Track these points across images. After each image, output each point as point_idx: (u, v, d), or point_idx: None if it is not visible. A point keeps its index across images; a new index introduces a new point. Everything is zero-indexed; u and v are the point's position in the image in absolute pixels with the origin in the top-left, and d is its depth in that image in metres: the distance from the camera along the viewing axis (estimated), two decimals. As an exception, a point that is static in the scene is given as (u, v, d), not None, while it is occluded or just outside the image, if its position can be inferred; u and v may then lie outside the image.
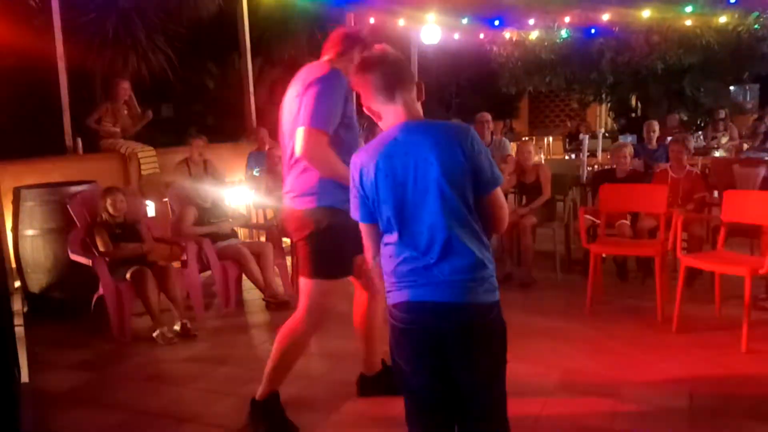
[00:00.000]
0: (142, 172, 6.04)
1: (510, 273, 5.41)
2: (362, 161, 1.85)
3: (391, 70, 1.90)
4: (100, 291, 4.35)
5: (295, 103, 2.68)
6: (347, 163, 2.44)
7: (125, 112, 6.33)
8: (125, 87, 6.33)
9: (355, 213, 1.92)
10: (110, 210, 4.52)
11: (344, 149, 2.61)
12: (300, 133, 2.57)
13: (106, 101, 6.22)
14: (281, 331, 2.88)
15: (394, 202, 1.81)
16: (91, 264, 4.30)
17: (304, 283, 2.80)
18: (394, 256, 1.85)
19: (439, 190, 1.77)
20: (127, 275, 4.32)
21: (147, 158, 6.11)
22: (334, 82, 2.62)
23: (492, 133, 6.67)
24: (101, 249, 4.44)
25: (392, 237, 1.85)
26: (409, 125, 1.86)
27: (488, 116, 6.50)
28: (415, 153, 1.79)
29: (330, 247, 2.72)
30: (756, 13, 10.09)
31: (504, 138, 6.73)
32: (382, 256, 1.90)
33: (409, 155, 1.79)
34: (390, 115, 1.89)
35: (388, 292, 1.90)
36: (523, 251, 5.34)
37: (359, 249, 2.76)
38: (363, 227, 1.93)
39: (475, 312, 1.84)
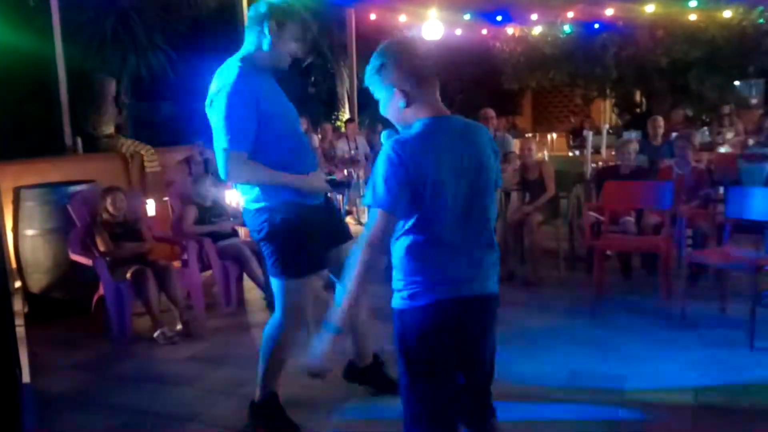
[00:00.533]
0: (147, 170, 6.02)
1: (513, 271, 5.36)
2: (415, 148, 1.75)
3: (431, 58, 1.90)
4: (101, 291, 4.33)
5: (209, 113, 2.61)
6: (293, 164, 2.54)
7: (114, 110, 6.30)
8: (113, 85, 6.29)
9: (394, 203, 1.74)
10: (110, 209, 4.50)
11: (275, 147, 2.58)
12: (219, 155, 2.53)
13: (96, 103, 6.19)
14: (264, 334, 2.86)
15: (452, 195, 1.78)
16: (91, 264, 4.28)
17: (275, 284, 2.78)
18: (447, 250, 1.80)
19: (490, 187, 1.87)
20: (128, 275, 4.29)
21: (148, 156, 6.10)
22: (240, 90, 2.49)
23: (495, 130, 6.63)
24: (101, 249, 4.42)
25: (434, 231, 1.79)
26: (454, 119, 1.87)
27: (492, 112, 6.46)
28: (471, 147, 1.84)
29: (290, 244, 2.69)
30: (761, 8, 10.03)
31: (507, 134, 6.68)
32: (418, 252, 1.81)
33: (466, 149, 1.82)
34: (428, 105, 1.85)
35: (417, 292, 1.81)
36: (530, 249, 5.30)
37: (322, 242, 2.77)
38: (391, 219, 1.77)
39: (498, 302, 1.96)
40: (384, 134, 2.02)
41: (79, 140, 5.99)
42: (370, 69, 1.88)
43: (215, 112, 2.54)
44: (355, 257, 1.79)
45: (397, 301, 1.86)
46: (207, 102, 2.62)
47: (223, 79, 2.55)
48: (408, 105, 1.84)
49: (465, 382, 1.94)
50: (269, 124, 2.57)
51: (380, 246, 1.78)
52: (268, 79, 2.67)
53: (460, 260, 1.82)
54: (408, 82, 1.83)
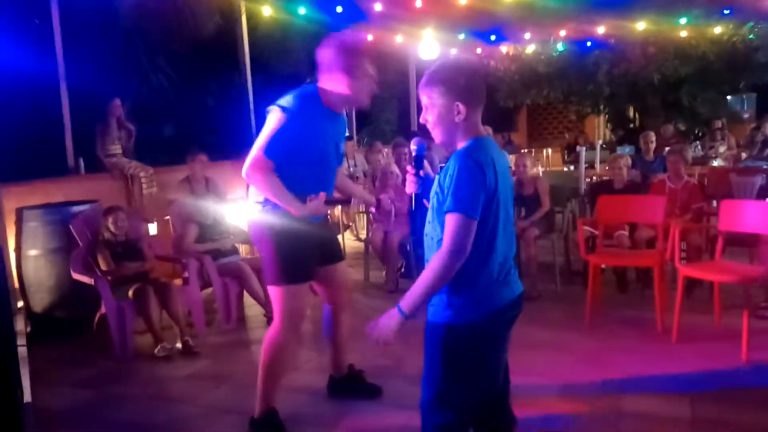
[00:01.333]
0: (144, 192, 6.08)
1: (510, 285, 5.42)
2: (487, 164, 1.86)
3: (482, 81, 2.01)
4: (103, 310, 4.37)
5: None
6: (296, 191, 2.69)
7: (118, 130, 6.37)
8: (117, 105, 6.36)
9: (476, 209, 1.83)
10: (112, 229, 4.56)
11: (299, 180, 2.75)
12: (251, 152, 2.73)
13: (99, 123, 6.27)
14: (263, 345, 2.93)
15: (503, 208, 1.93)
16: (93, 283, 4.33)
17: (272, 291, 2.88)
18: (493, 261, 1.91)
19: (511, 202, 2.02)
20: (129, 293, 4.35)
21: (147, 178, 6.16)
22: (296, 117, 2.73)
23: (502, 147, 6.73)
24: (103, 268, 4.47)
25: (491, 242, 1.90)
26: (494, 142, 2.03)
27: (489, 129, 6.56)
28: (506, 169, 1.99)
29: (285, 250, 2.82)
30: (750, 24, 10.18)
31: (503, 151, 6.77)
32: (468, 264, 1.86)
33: (505, 170, 1.97)
34: (477, 126, 1.98)
35: (474, 304, 1.91)
36: (527, 263, 5.36)
37: (316, 256, 2.91)
38: (470, 224, 1.83)
39: None
40: (418, 146, 2.12)
41: (81, 161, 6.06)
42: (434, 78, 1.95)
43: (270, 118, 2.77)
44: (436, 261, 1.84)
45: (449, 316, 1.92)
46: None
47: (290, 100, 2.77)
48: (465, 119, 1.93)
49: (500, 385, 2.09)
50: (299, 151, 2.75)
51: (461, 252, 1.83)
52: (324, 113, 2.84)
53: (505, 267, 1.96)
54: (469, 100, 1.93)
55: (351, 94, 2.80)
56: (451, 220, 1.83)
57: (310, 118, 2.75)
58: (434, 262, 1.84)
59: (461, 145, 1.94)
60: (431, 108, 1.96)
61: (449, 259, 1.82)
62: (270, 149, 2.70)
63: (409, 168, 2.12)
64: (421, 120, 2.03)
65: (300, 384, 3.70)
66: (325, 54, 2.79)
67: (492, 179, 1.85)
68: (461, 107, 1.91)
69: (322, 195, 2.74)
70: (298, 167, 2.76)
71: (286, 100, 2.77)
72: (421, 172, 2.11)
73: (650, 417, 3.09)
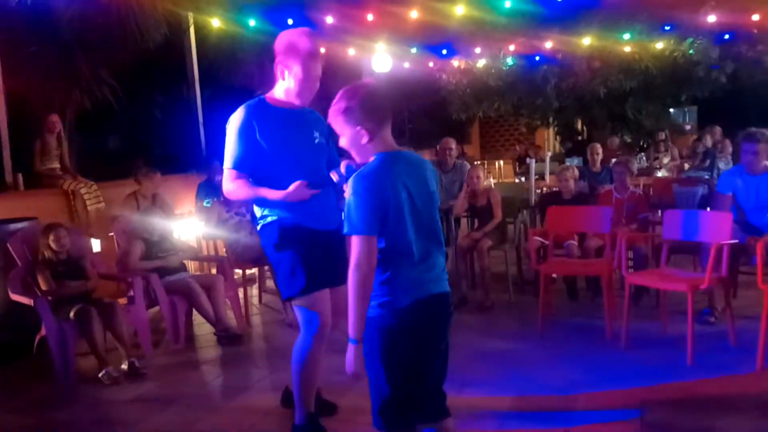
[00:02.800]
0: (88, 208, 5.88)
1: (465, 296, 5.44)
2: (379, 179, 2.03)
3: (389, 99, 2.19)
4: (43, 332, 4.19)
5: None
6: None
7: (57, 145, 6.17)
8: (55, 120, 6.17)
9: (369, 227, 2.01)
10: (53, 247, 4.38)
11: (277, 173, 2.85)
12: (224, 173, 2.90)
13: (37, 139, 6.07)
14: (293, 353, 2.98)
15: (410, 214, 2.08)
16: (32, 304, 4.14)
17: (292, 303, 2.98)
18: (411, 260, 2.08)
19: (436, 204, 2.22)
20: (71, 314, 4.17)
21: (90, 194, 5.96)
22: (239, 122, 2.87)
23: (456, 158, 6.76)
24: (43, 288, 4.29)
25: (402, 245, 2.06)
26: (405, 152, 2.18)
27: (452, 142, 6.61)
28: (421, 174, 2.16)
29: (290, 260, 2.87)
30: (690, 39, 10.59)
31: (465, 162, 6.83)
32: (387, 265, 2.06)
33: (417, 175, 2.14)
34: (385, 142, 2.13)
35: (389, 300, 2.07)
36: (481, 274, 5.39)
37: (322, 258, 2.91)
38: (368, 240, 2.01)
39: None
40: (346, 167, 2.36)
41: (20, 177, 5.83)
42: (335, 109, 2.13)
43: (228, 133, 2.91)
44: (350, 280, 2.02)
45: (376, 309, 2.08)
46: None
47: (235, 113, 2.92)
48: (370, 141, 2.10)
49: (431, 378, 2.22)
50: (266, 155, 2.85)
51: (367, 267, 2.02)
52: (276, 112, 2.92)
53: (424, 265, 2.12)
54: (370, 122, 2.09)
55: (296, 85, 2.89)
56: (352, 241, 2.03)
57: (261, 121, 2.85)
58: (349, 281, 2.02)
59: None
60: (342, 135, 2.15)
61: (357, 275, 2.01)
62: (236, 162, 2.86)
63: (345, 187, 2.28)
64: (340, 144, 2.21)
65: (252, 403, 3.61)
66: (276, 50, 2.92)
67: (391, 191, 2.02)
68: (363, 131, 2.09)
69: (298, 183, 2.76)
70: (274, 170, 2.87)
71: (236, 113, 2.91)
72: None
73: (600, 424, 3.12)
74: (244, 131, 2.84)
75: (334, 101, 2.14)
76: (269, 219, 2.92)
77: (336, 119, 2.14)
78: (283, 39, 2.90)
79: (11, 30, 6.78)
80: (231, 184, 2.88)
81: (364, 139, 2.10)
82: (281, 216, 2.89)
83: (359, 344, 2.04)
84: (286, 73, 2.88)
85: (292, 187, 2.76)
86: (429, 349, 2.16)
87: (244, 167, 2.87)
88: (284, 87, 2.92)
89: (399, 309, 2.07)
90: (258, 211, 2.99)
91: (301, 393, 2.98)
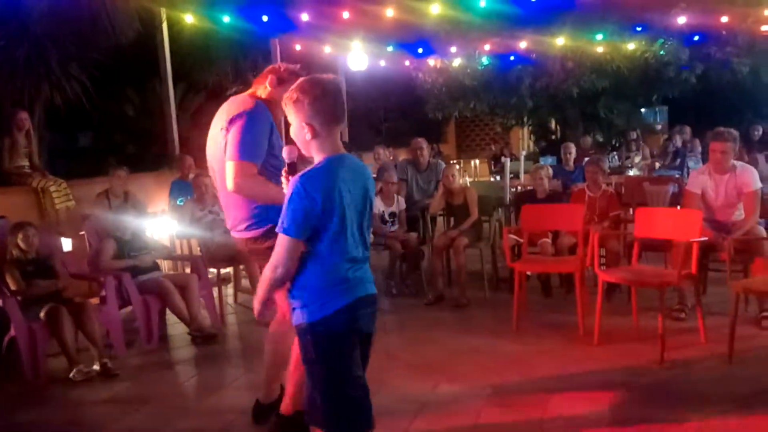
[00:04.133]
0: (56, 206, 5.77)
1: (442, 294, 5.47)
2: (324, 183, 2.02)
3: (343, 102, 2.14)
4: (12, 332, 4.10)
5: (221, 137, 2.76)
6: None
7: (25, 143, 6.04)
8: (24, 117, 6.03)
9: (298, 231, 2.01)
10: (22, 245, 4.30)
11: (276, 177, 2.69)
12: (230, 168, 2.69)
13: (5, 136, 5.93)
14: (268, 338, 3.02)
15: (349, 219, 2.08)
16: (1, 304, 4.05)
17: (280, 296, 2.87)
18: (346, 264, 2.09)
19: (370, 211, 2.23)
20: (42, 314, 4.09)
21: (59, 192, 5.84)
22: (259, 115, 2.74)
23: (431, 157, 6.76)
24: (12, 287, 4.20)
25: (337, 249, 2.07)
26: (349, 157, 2.16)
27: (423, 142, 6.61)
28: (361, 181, 2.15)
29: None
30: (661, 40, 10.77)
31: (440, 161, 6.85)
32: (322, 268, 2.07)
33: (358, 182, 2.13)
34: (331, 143, 2.10)
35: (326, 301, 2.07)
36: (457, 271, 5.43)
37: None
38: (295, 243, 2.03)
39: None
40: (288, 151, 2.26)
41: (-12, 174, 5.69)
42: (288, 98, 2.10)
43: (232, 132, 2.71)
44: (265, 272, 2.08)
45: (306, 315, 2.09)
46: (218, 127, 2.80)
47: (240, 107, 2.77)
48: (313, 138, 2.08)
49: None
50: (274, 154, 2.76)
51: (284, 270, 2.05)
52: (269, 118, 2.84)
53: (356, 269, 2.14)
54: (317, 120, 2.06)
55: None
56: (279, 239, 2.05)
57: (266, 115, 2.78)
58: (264, 272, 2.09)
59: (317, 161, 2.11)
60: (291, 124, 2.14)
61: (272, 273, 2.06)
62: (245, 153, 2.69)
63: (284, 173, 2.27)
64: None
65: (227, 402, 3.58)
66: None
67: (326, 199, 2.01)
68: (307, 128, 2.07)
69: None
70: (269, 176, 2.75)
71: (240, 108, 2.78)
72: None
73: (573, 417, 3.17)
74: (264, 127, 2.74)
75: (292, 87, 2.12)
76: (262, 222, 2.78)
77: (287, 107, 2.12)
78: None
79: (-23, 23, 6.62)
80: (247, 179, 2.68)
81: (307, 136, 2.08)
82: (275, 218, 2.78)
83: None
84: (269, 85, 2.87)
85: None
86: (357, 358, 2.16)
87: (253, 158, 2.71)
88: (268, 94, 2.87)
89: (334, 312, 2.07)
90: (247, 212, 2.82)
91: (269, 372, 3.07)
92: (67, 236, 5.35)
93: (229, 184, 2.70)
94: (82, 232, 5.33)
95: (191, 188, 5.93)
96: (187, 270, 5.67)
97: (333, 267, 2.08)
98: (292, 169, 2.24)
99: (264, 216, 2.77)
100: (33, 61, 7.14)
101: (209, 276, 5.31)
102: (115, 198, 5.83)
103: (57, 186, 5.86)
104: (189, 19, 7.69)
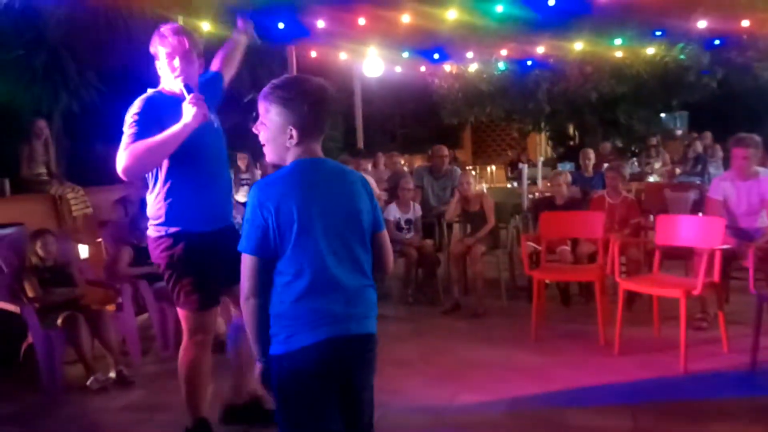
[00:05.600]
0: (74, 213, 5.82)
1: (458, 302, 5.41)
2: (280, 189, 1.77)
3: (329, 109, 1.88)
4: (29, 339, 4.12)
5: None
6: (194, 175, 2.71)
7: (43, 151, 6.13)
8: (42, 126, 6.13)
9: (258, 247, 1.76)
10: (40, 253, 4.32)
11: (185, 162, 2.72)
12: (119, 157, 2.63)
13: (23, 144, 6.04)
14: (179, 361, 2.97)
15: (321, 236, 1.78)
16: (19, 311, 4.07)
17: (180, 313, 2.92)
18: (318, 288, 1.77)
19: (362, 227, 1.88)
20: (59, 321, 4.11)
21: (77, 199, 5.90)
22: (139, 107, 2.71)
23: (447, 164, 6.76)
24: (30, 295, 4.22)
25: (305, 272, 1.76)
26: (328, 162, 1.89)
27: (445, 150, 6.60)
28: (342, 189, 1.86)
29: (190, 275, 2.79)
30: (681, 45, 10.66)
31: (456, 168, 6.83)
32: (288, 293, 1.78)
33: (336, 190, 1.84)
34: (310, 151, 1.85)
35: (292, 334, 1.77)
36: (474, 279, 5.37)
37: (221, 275, 2.82)
38: (258, 262, 1.77)
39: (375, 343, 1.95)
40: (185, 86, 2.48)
41: (6, 182, 5.76)
42: (274, 94, 1.82)
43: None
44: (244, 313, 1.82)
45: (274, 346, 1.80)
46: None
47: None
48: (297, 144, 1.83)
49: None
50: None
51: (254, 291, 1.78)
52: (172, 101, 2.75)
53: (335, 300, 1.79)
54: (309, 127, 1.82)
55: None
56: (242, 259, 1.80)
57: (156, 109, 2.71)
58: (242, 311, 1.84)
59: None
60: (266, 123, 1.85)
61: (245, 301, 1.81)
62: (135, 135, 2.62)
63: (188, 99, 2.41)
64: (253, 129, 1.91)
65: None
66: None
67: (287, 209, 1.74)
68: (294, 132, 1.81)
69: (193, 95, 2.63)
70: (179, 158, 2.71)
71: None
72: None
73: (593, 429, 3.11)
74: (141, 119, 2.68)
75: (277, 83, 1.84)
76: (171, 225, 2.76)
77: (271, 105, 1.82)
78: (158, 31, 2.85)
79: (-4, 32, 6.72)
80: (122, 154, 2.62)
81: (292, 142, 1.82)
82: (189, 227, 2.76)
83: (262, 363, 1.84)
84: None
85: (190, 104, 2.59)
86: (331, 407, 1.80)
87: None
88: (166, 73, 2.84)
89: (300, 349, 1.75)
90: (157, 214, 2.80)
91: (189, 396, 2.99)
92: (84, 243, 5.38)
93: (120, 172, 2.64)
94: (99, 239, 5.35)
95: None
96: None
97: (304, 293, 1.76)
98: (188, 90, 2.36)
99: (177, 216, 2.74)
100: (51, 70, 7.25)
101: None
102: (131, 205, 5.86)
103: (74, 193, 5.91)
104: (206, 27, 7.74)
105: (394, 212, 5.83)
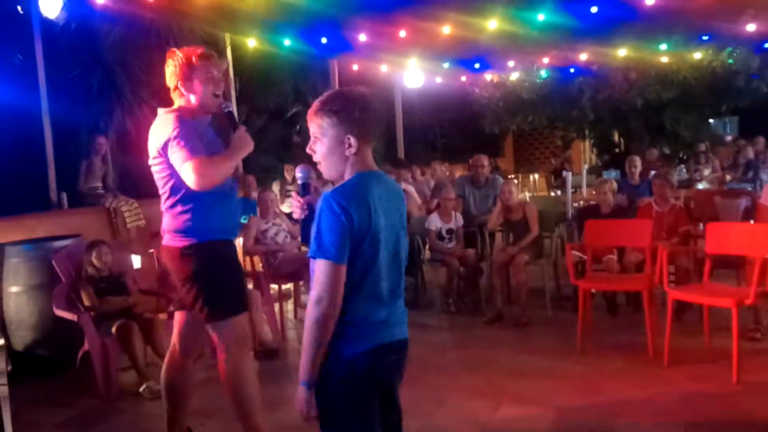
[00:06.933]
0: (128, 225, 6.03)
1: (501, 312, 5.38)
2: (358, 197, 1.79)
3: (376, 114, 1.92)
4: (86, 347, 4.28)
5: (157, 164, 2.81)
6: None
7: (101, 165, 6.40)
8: (102, 142, 6.41)
9: (341, 253, 1.76)
10: (95, 263, 4.49)
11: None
12: (187, 169, 2.64)
13: (82, 159, 6.32)
14: (224, 382, 2.93)
15: (384, 247, 1.84)
16: (76, 319, 4.24)
17: (214, 326, 2.85)
18: (379, 297, 1.84)
19: (405, 239, 1.95)
20: (113, 329, 4.26)
21: (131, 211, 6.11)
22: (185, 127, 2.73)
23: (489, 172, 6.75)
24: (86, 303, 4.39)
25: (368, 281, 1.82)
26: (384, 175, 1.94)
27: (484, 159, 6.58)
28: (396, 202, 1.93)
29: (218, 284, 2.81)
30: (729, 49, 10.39)
31: (498, 177, 6.81)
32: (351, 302, 1.81)
33: (394, 203, 1.90)
34: (366, 160, 1.89)
35: (352, 340, 1.81)
36: (517, 289, 5.34)
37: (242, 282, 2.89)
38: (338, 269, 1.76)
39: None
40: (301, 172, 2.13)
41: (64, 195, 6.01)
42: (324, 108, 1.85)
43: (172, 148, 2.70)
44: (309, 315, 1.78)
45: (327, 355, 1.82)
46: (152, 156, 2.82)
47: (165, 131, 2.76)
48: (355, 153, 1.85)
49: None
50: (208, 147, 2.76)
51: (329, 301, 1.76)
52: (199, 124, 2.84)
53: (381, 307, 1.86)
54: (364, 133, 1.85)
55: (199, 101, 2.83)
56: (317, 266, 1.77)
57: (185, 124, 2.75)
58: (307, 316, 1.78)
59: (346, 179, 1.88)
60: (321, 139, 1.87)
61: (318, 309, 1.76)
62: (193, 150, 2.67)
63: (294, 195, 2.16)
64: (307, 150, 1.93)
65: (288, 417, 3.61)
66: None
67: (363, 218, 1.77)
68: (353, 140, 1.83)
69: (243, 128, 2.76)
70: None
71: (165, 133, 2.78)
72: (307, 198, 2.09)
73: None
74: (182, 124, 2.74)
75: (325, 98, 1.88)
76: (195, 237, 2.80)
77: (324, 119, 1.85)
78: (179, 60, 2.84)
79: (56, 54, 7.05)
80: (202, 168, 2.64)
81: (351, 150, 1.84)
82: (213, 236, 2.80)
83: (309, 388, 1.81)
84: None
85: (240, 135, 2.72)
86: (375, 413, 1.86)
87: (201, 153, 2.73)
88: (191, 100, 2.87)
89: (356, 356, 1.80)
90: (181, 227, 2.83)
91: (245, 411, 2.97)
92: (137, 254, 5.57)
93: (193, 181, 2.64)
94: (152, 250, 5.53)
95: (254, 206, 6.09)
96: (250, 286, 5.79)
97: (357, 302, 1.81)
98: (305, 189, 2.09)
99: (202, 226, 2.78)
100: (106, 88, 7.57)
101: (271, 292, 5.40)
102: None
103: (128, 206, 6.12)
104: (252, 43, 7.95)
105: (435, 222, 5.85)
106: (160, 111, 2.89)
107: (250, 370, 2.97)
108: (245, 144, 2.76)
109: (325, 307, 1.75)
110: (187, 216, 2.80)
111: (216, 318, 2.84)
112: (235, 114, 2.81)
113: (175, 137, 2.68)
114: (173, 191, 2.81)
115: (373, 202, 1.80)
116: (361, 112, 1.85)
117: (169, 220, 2.87)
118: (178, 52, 2.86)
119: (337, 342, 1.81)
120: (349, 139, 1.84)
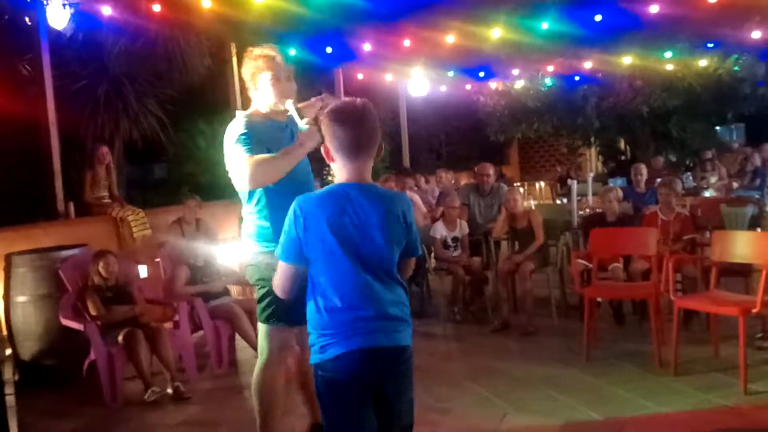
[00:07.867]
0: (134, 235, 6.06)
1: (507, 321, 5.36)
2: (314, 207, 1.91)
3: (367, 132, 1.96)
4: (92, 356, 4.29)
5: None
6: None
7: (106, 175, 6.43)
8: (105, 152, 6.44)
9: (293, 256, 1.94)
10: (102, 273, 4.51)
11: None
12: (239, 168, 2.67)
13: (87, 169, 6.36)
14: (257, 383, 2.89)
15: (352, 254, 1.90)
16: (82, 329, 4.26)
17: (269, 330, 2.82)
18: (347, 302, 1.89)
19: (394, 249, 1.98)
20: (119, 338, 4.27)
21: (137, 221, 6.14)
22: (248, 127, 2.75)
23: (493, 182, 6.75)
24: (93, 313, 4.41)
25: (338, 287, 1.90)
26: (370, 187, 1.99)
27: (490, 168, 6.58)
28: (388, 212, 1.94)
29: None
30: (735, 56, 10.38)
31: (502, 185, 6.81)
32: (319, 305, 1.92)
33: (373, 210, 1.92)
34: (348, 172, 1.97)
35: (326, 345, 1.89)
36: (523, 298, 5.32)
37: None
38: (291, 270, 1.96)
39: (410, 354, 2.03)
40: None
41: (71, 205, 6.05)
42: (324, 118, 2.00)
43: (229, 147, 2.74)
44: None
45: (312, 356, 1.94)
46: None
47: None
48: (329, 162, 1.99)
49: None
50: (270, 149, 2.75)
51: (282, 292, 2.00)
52: (270, 125, 2.85)
53: (364, 314, 1.89)
54: (333, 145, 1.96)
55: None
56: (278, 264, 2.00)
57: (256, 130, 2.77)
58: None
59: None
60: (324, 146, 2.03)
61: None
62: (249, 149, 2.68)
63: (305, 120, 2.35)
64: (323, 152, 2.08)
65: (293, 428, 3.61)
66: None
67: (321, 225, 1.87)
68: (326, 150, 1.99)
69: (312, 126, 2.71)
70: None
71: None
72: None
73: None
74: (247, 129, 2.76)
75: (327, 109, 2.02)
76: (259, 243, 2.81)
77: (321, 122, 2.04)
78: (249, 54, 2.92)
79: (63, 64, 7.12)
80: (257, 166, 2.65)
81: (329, 159, 1.99)
82: (273, 239, 2.70)
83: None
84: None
85: (306, 134, 2.67)
86: (365, 415, 1.90)
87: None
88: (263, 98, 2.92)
89: (333, 358, 1.87)
90: (248, 232, 2.86)
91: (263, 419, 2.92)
92: (143, 263, 5.59)
93: (247, 182, 2.68)
94: (157, 259, 5.55)
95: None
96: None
97: (336, 307, 1.89)
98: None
99: (266, 236, 2.76)
100: (112, 99, 7.63)
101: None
102: (187, 226, 6.06)
103: (135, 215, 6.15)
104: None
105: (440, 230, 5.85)
106: (237, 113, 2.95)
107: (282, 382, 2.91)
108: (310, 138, 2.68)
109: (278, 293, 2.02)
110: (265, 223, 2.81)
111: (273, 323, 2.81)
112: (295, 113, 2.76)
113: (234, 139, 2.72)
114: (250, 195, 2.84)
115: (334, 212, 1.88)
116: (336, 128, 1.93)
117: (248, 224, 2.90)
118: (253, 51, 2.92)
119: (323, 343, 1.90)
120: (335, 151, 1.96)
